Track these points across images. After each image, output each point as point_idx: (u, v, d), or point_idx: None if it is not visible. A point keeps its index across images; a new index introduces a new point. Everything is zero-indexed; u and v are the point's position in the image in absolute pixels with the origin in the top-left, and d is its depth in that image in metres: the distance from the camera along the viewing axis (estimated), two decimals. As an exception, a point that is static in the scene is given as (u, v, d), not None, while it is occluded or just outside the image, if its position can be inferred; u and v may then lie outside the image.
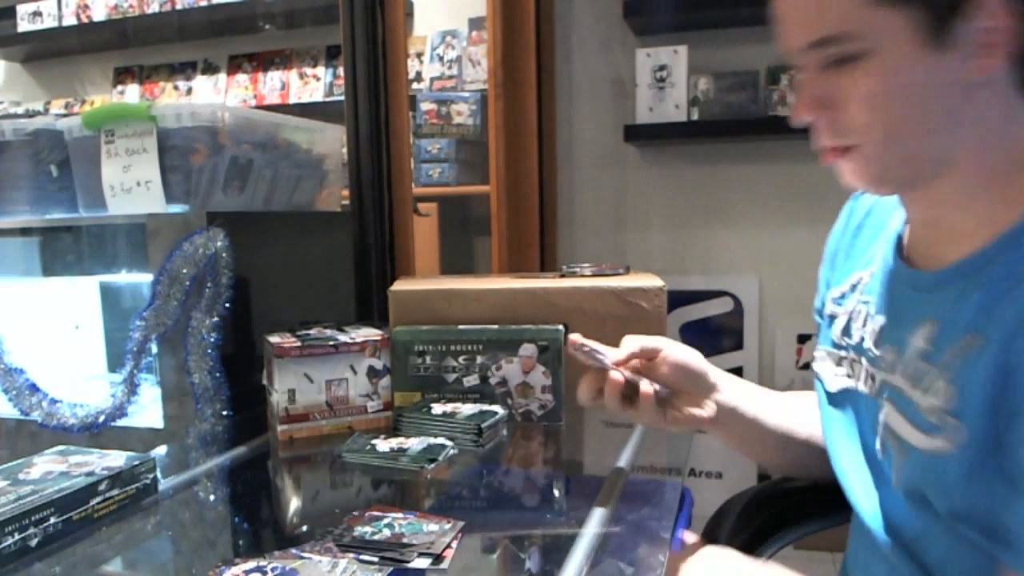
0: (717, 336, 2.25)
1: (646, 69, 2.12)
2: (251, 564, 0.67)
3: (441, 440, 0.99)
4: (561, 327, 1.10)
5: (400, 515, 0.77)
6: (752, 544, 0.90)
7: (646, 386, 0.78)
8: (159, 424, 1.22)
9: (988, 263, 0.61)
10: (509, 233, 2.02)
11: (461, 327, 1.12)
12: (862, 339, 0.74)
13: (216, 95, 2.85)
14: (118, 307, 1.45)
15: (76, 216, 1.32)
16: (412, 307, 1.18)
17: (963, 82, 0.59)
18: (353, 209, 1.59)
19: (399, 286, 1.21)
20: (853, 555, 0.81)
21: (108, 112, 1.24)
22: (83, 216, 1.31)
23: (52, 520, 0.74)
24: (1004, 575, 0.58)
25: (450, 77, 2.50)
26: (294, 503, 0.95)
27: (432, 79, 2.51)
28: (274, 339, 1.08)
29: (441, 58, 2.52)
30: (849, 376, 0.76)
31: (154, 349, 1.19)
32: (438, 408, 1.07)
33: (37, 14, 2.87)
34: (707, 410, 0.79)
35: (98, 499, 0.79)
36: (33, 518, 0.72)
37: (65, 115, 2.41)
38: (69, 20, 2.85)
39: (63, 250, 1.43)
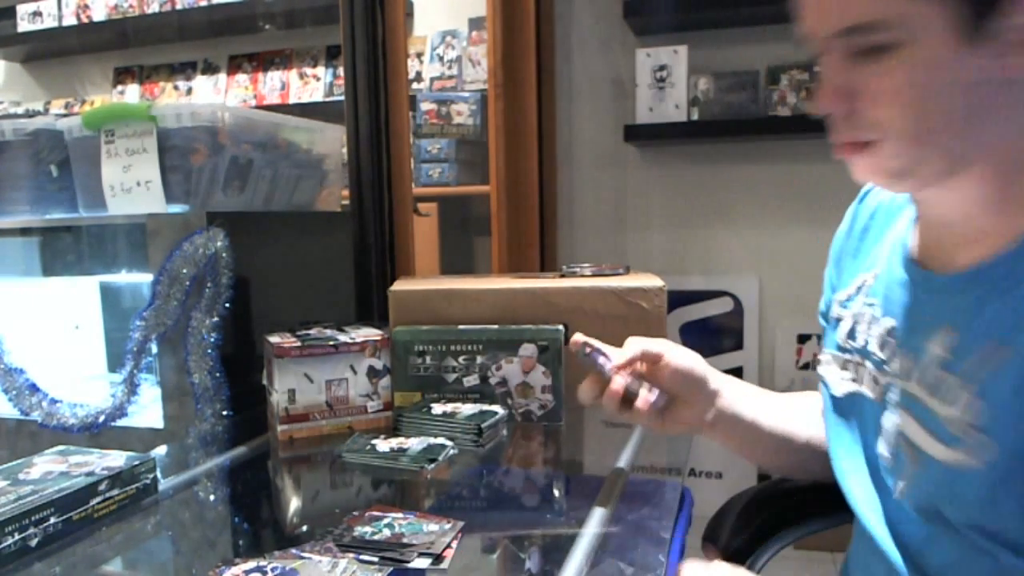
0: (717, 336, 2.24)
1: (646, 69, 2.11)
2: (251, 564, 0.67)
3: (441, 440, 0.99)
4: (561, 327, 1.10)
5: (400, 515, 0.77)
6: (752, 544, 0.89)
7: (644, 395, 0.79)
8: (159, 424, 1.22)
9: (1009, 269, 0.59)
10: (509, 233, 2.02)
11: (461, 327, 1.12)
12: (867, 342, 0.73)
13: (216, 95, 2.85)
14: (118, 307, 1.45)
15: (76, 216, 1.32)
16: (412, 307, 1.18)
17: (995, 80, 0.57)
18: (353, 209, 1.59)
19: (399, 286, 1.21)
20: (854, 556, 0.81)
21: (108, 112, 1.24)
22: (83, 216, 1.31)
23: (52, 520, 0.74)
24: None
25: (450, 77, 2.50)
26: (294, 503, 0.95)
27: (432, 79, 2.51)
28: (274, 339, 1.08)
29: (441, 58, 2.51)
30: (854, 380, 0.76)
31: (154, 349, 1.19)
32: (438, 408, 1.07)
33: (37, 14, 2.87)
34: (705, 417, 0.79)
35: (98, 499, 0.79)
36: (33, 518, 0.72)
37: (65, 115, 2.41)
38: (69, 20, 2.84)
39: (63, 250, 1.43)
